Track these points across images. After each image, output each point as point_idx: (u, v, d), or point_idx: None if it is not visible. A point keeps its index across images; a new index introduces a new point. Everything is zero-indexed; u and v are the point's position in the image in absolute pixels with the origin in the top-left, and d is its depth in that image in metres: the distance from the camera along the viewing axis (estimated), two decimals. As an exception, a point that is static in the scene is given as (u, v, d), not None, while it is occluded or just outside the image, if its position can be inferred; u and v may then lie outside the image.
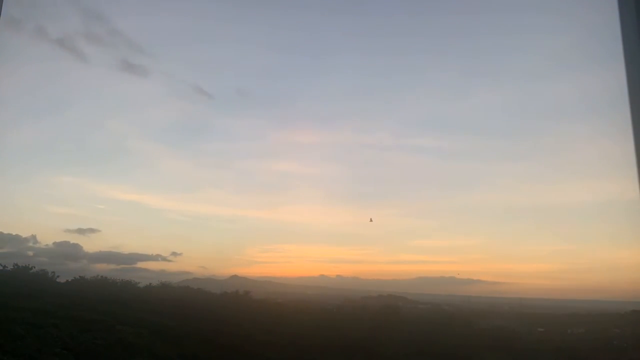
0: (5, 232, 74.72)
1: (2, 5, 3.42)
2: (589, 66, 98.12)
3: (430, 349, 32.21)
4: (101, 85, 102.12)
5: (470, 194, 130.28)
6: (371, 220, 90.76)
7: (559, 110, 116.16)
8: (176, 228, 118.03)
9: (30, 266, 49.09)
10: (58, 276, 50.78)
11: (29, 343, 20.20)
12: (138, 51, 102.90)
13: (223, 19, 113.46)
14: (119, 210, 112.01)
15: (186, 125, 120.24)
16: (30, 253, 75.38)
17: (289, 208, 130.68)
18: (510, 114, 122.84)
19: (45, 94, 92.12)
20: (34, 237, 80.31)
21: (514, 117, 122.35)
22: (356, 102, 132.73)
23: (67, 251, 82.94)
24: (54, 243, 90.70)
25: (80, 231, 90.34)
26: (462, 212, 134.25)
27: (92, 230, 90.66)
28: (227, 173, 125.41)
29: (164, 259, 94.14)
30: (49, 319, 24.53)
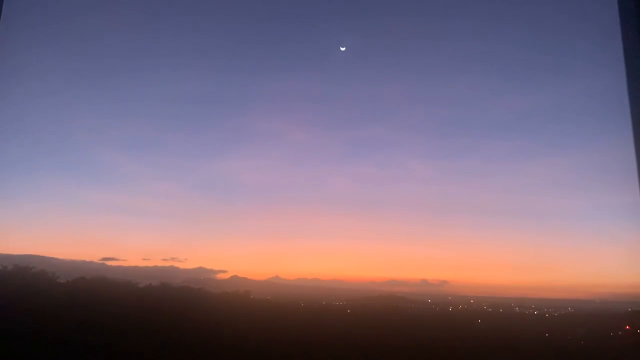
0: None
1: (2, 5, 3.40)
2: (589, 66, 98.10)
3: (431, 349, 32.20)
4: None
5: (470, 196, 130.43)
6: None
7: (558, 111, 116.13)
8: (176, 229, 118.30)
9: (30, 266, 49.12)
10: (58, 276, 50.75)
11: (29, 342, 20.21)
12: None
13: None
14: (118, 213, 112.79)
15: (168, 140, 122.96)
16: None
17: (288, 209, 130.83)
18: (509, 115, 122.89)
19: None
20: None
21: (513, 118, 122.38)
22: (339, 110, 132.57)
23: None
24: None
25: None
26: (463, 212, 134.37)
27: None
28: (221, 175, 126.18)
29: (165, 259, 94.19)
30: (49, 319, 24.54)
